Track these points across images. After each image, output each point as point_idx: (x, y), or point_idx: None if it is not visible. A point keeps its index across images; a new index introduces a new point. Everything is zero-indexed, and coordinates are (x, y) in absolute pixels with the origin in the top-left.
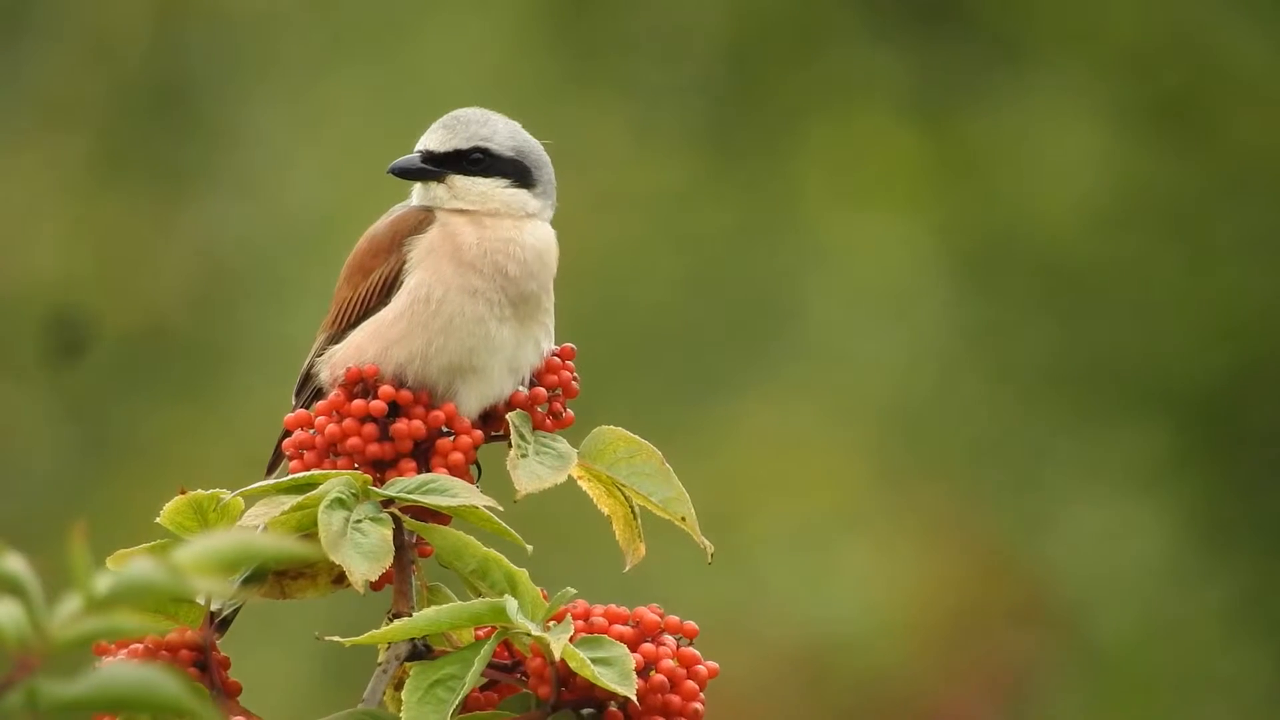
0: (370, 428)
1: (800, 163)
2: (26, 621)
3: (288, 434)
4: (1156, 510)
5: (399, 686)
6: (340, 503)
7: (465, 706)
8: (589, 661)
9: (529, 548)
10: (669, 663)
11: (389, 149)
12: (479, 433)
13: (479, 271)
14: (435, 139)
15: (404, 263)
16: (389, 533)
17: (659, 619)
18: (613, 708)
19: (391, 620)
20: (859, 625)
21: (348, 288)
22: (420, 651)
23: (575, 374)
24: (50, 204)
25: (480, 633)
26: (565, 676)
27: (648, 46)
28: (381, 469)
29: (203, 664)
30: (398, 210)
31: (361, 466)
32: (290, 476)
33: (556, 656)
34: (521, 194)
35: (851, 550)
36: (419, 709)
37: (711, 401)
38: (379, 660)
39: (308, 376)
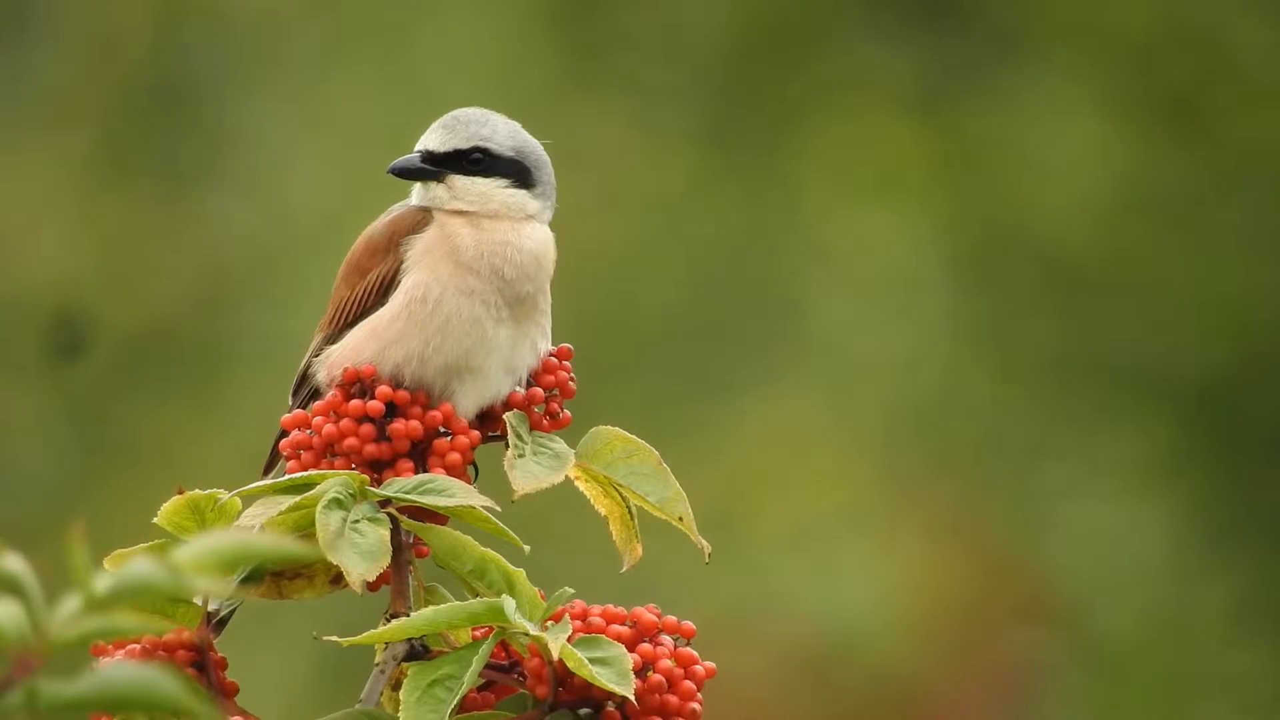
0: (367, 428)
1: (802, 161)
2: (26, 621)
3: (285, 434)
4: (1158, 507)
5: (397, 687)
6: (338, 503)
7: (463, 707)
8: (587, 661)
9: (526, 548)
10: (666, 663)
11: (391, 149)
12: (476, 433)
13: (476, 273)
14: (435, 139)
15: (401, 263)
16: (386, 533)
17: (656, 619)
18: (610, 708)
19: (389, 620)
20: (863, 623)
21: (345, 287)
22: (418, 652)
23: (572, 374)
24: (52, 203)
25: (477, 633)
26: (563, 676)
27: (649, 46)
28: (379, 469)
29: (200, 664)
30: (396, 210)
31: (359, 467)
32: (288, 477)
33: (554, 656)
34: (521, 194)
35: (855, 548)
36: (417, 709)
37: (715, 401)
38: (376, 660)
39: (304, 376)
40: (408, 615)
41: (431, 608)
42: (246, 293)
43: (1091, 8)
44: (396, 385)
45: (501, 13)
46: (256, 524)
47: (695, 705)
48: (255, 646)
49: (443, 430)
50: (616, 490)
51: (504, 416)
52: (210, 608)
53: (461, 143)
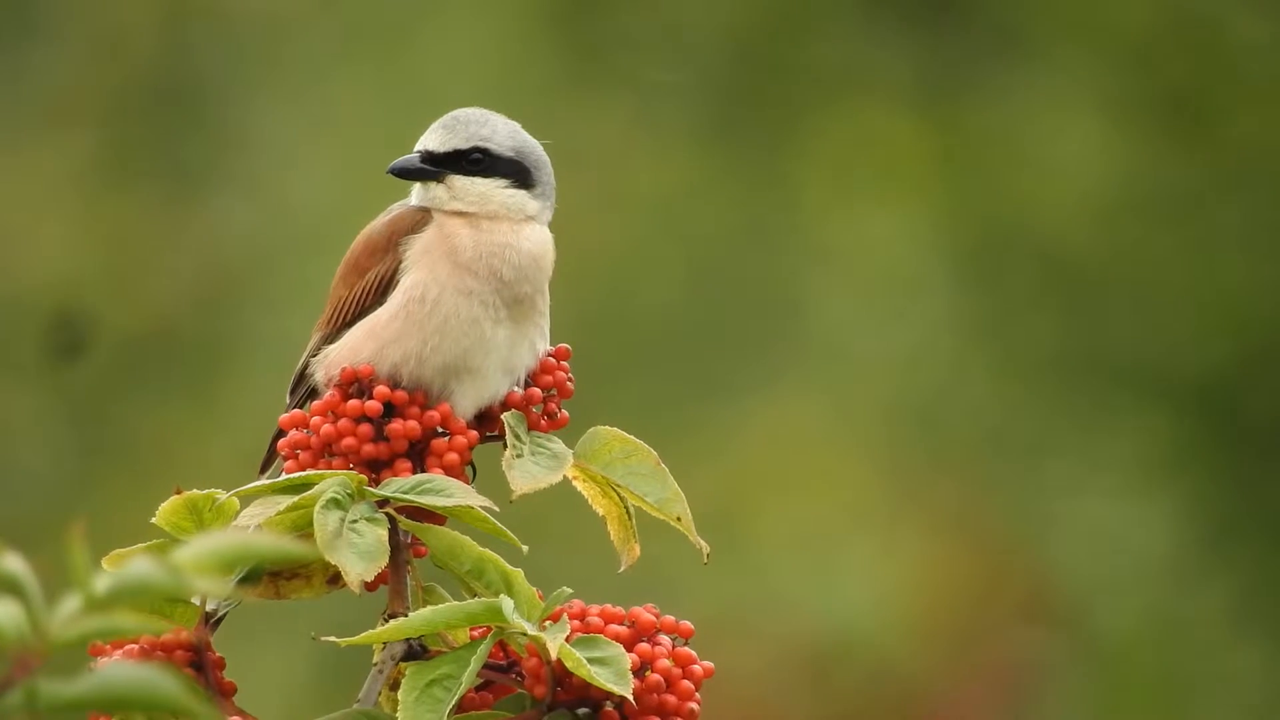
0: (365, 428)
1: (802, 160)
2: (26, 621)
3: (282, 433)
4: (1159, 505)
5: (395, 687)
6: (336, 503)
7: (461, 706)
8: (585, 661)
9: (524, 548)
10: (665, 662)
11: (391, 149)
12: (474, 433)
13: (474, 273)
14: (435, 139)
15: (400, 262)
16: (384, 533)
17: (655, 619)
18: (608, 707)
19: (387, 620)
20: (863, 623)
21: (343, 287)
22: (416, 652)
23: (570, 375)
24: (55, 203)
25: (475, 633)
26: (561, 676)
27: (649, 45)
28: (377, 469)
29: (198, 664)
30: (395, 210)
31: (357, 467)
32: (285, 477)
33: (553, 656)
34: (520, 195)
35: (855, 548)
36: (415, 709)
37: (715, 401)
38: (374, 660)
39: (302, 376)
40: (406, 615)
41: (430, 608)
42: (247, 293)
43: (1091, 6)
44: (394, 385)
45: (501, 13)
46: (254, 524)
47: (693, 705)
48: (254, 647)
49: (441, 430)
50: (614, 490)
51: (502, 417)
52: (208, 608)
53: (461, 143)
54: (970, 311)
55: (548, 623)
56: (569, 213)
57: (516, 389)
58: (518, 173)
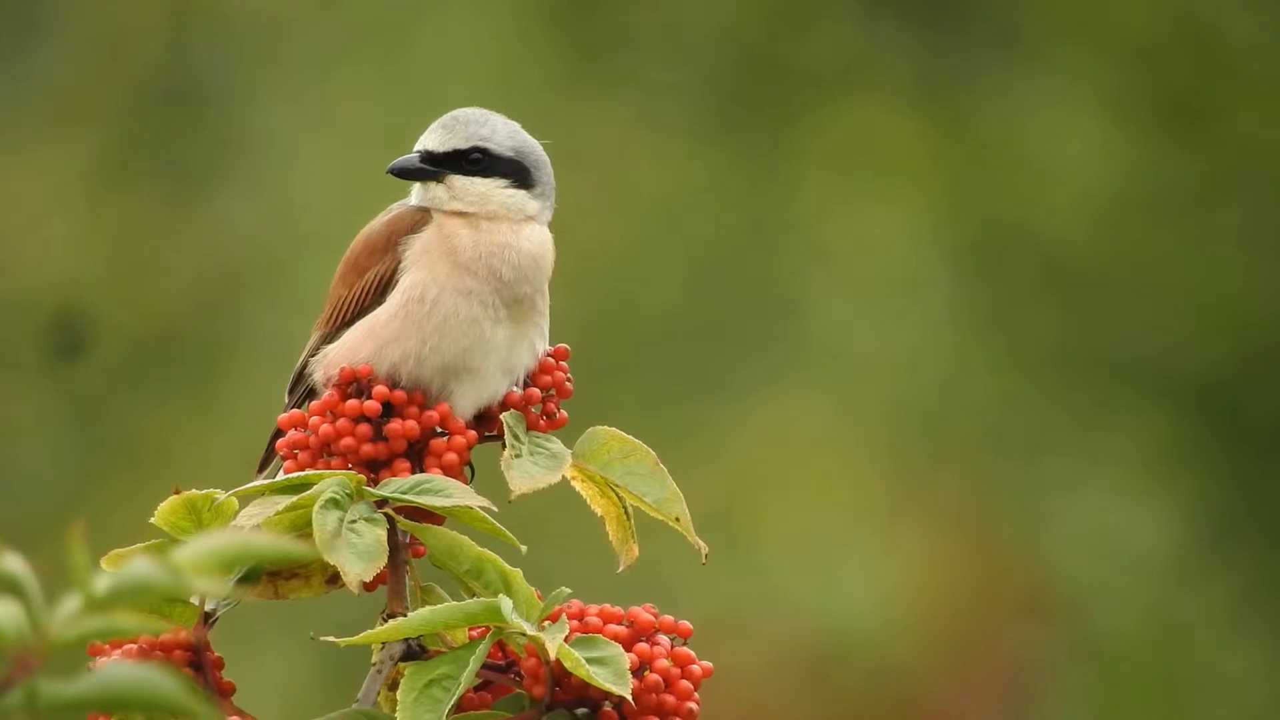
0: (364, 428)
1: (802, 160)
2: (26, 621)
3: (280, 433)
4: (1159, 505)
5: (393, 687)
6: (335, 503)
7: (460, 706)
8: (584, 661)
9: (523, 548)
10: (664, 662)
11: (391, 149)
12: (473, 433)
13: (474, 273)
14: (434, 139)
15: (399, 262)
16: (383, 533)
17: (654, 619)
18: (607, 707)
19: (386, 620)
20: (863, 622)
21: (343, 286)
22: (414, 652)
23: (569, 375)
24: (58, 203)
25: (474, 633)
26: (560, 676)
27: (649, 45)
28: (375, 469)
29: (197, 664)
30: (395, 209)
31: (355, 467)
32: (284, 476)
33: (552, 656)
34: (520, 195)
35: (856, 548)
36: (414, 709)
37: (716, 401)
38: (373, 660)
39: (301, 375)
40: (405, 615)
41: (428, 608)
42: (249, 293)
43: (1091, 6)
44: (393, 385)
45: (501, 12)
46: (252, 524)
47: (692, 705)
48: (253, 646)
49: (439, 430)
50: (613, 490)
51: (500, 417)
52: (207, 608)
53: (461, 143)
54: (970, 311)
55: (546, 623)
56: (569, 213)
57: (515, 389)
58: (517, 173)
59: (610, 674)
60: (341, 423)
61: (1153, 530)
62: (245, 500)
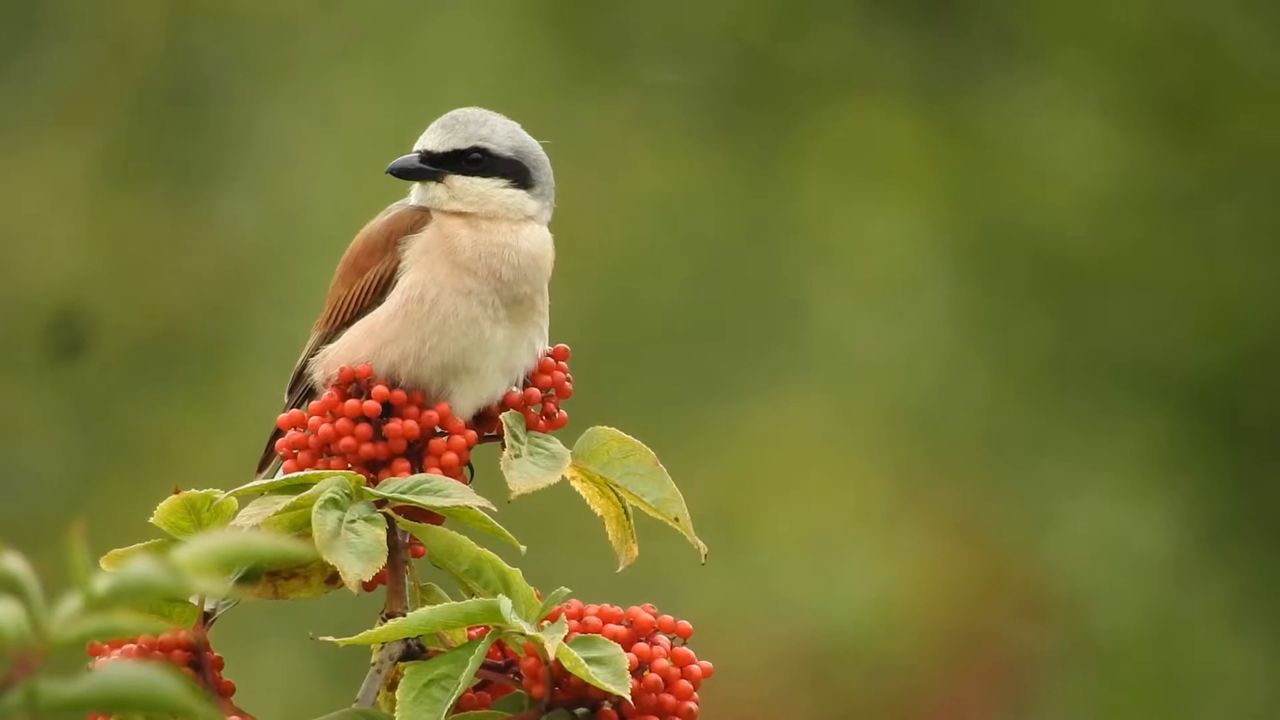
0: (364, 428)
1: (803, 160)
2: (26, 621)
3: (280, 433)
4: (1159, 505)
5: (393, 686)
6: (334, 503)
7: (459, 706)
8: (583, 661)
9: (522, 548)
10: (663, 662)
11: (392, 148)
12: (472, 433)
13: (473, 273)
14: (434, 139)
15: (399, 262)
16: (382, 533)
17: (653, 618)
18: (607, 707)
19: (385, 620)
20: (863, 622)
21: (342, 286)
22: (414, 651)
23: (569, 375)
24: (61, 204)
25: (473, 633)
26: (559, 676)
27: (649, 45)
28: (375, 469)
29: (197, 664)
30: (394, 209)
31: (355, 466)
32: (284, 476)
33: (550, 656)
34: (520, 195)
35: (856, 548)
36: (413, 709)
37: (717, 401)
38: (373, 660)
39: (300, 375)
40: (404, 615)
41: (428, 608)
42: (251, 293)
43: (1091, 7)
44: (393, 385)
45: (501, 12)
46: (252, 524)
47: (692, 705)
48: (253, 646)
49: (439, 430)
50: (613, 490)
51: (500, 417)
52: (206, 608)
53: (460, 143)
54: (970, 311)
55: (545, 622)
56: (569, 213)
57: (515, 389)
58: (517, 173)
59: (609, 674)
60: (341, 423)
61: (1152, 530)
62: (245, 500)
